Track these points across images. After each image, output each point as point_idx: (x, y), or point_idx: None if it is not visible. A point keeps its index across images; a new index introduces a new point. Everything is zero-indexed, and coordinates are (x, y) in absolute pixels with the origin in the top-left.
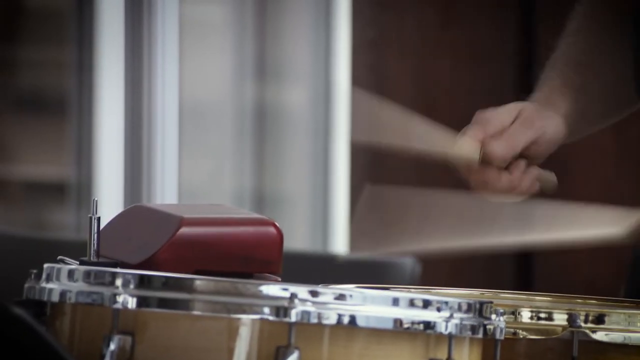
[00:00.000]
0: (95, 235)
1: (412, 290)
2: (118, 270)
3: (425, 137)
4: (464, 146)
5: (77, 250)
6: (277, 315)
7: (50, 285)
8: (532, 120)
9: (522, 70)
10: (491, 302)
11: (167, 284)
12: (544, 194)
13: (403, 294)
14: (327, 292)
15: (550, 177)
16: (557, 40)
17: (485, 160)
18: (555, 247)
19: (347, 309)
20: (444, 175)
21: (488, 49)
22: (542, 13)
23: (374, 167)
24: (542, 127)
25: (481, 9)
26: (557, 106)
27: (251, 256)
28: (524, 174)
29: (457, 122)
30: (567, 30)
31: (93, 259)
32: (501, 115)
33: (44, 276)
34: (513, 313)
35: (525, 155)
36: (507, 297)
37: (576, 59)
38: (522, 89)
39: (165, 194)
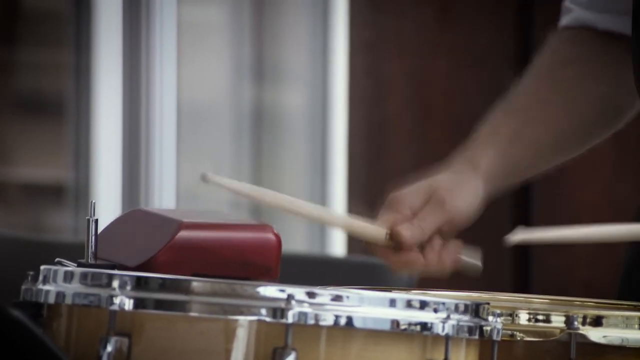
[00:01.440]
0: (93, 237)
1: (410, 292)
2: (115, 271)
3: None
4: (369, 229)
5: (75, 253)
6: (274, 316)
7: (47, 287)
8: (444, 201)
9: (519, 72)
10: (488, 304)
11: (164, 285)
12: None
13: (400, 295)
14: (324, 294)
15: (475, 260)
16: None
17: (394, 243)
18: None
19: (344, 310)
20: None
21: (486, 50)
22: (540, 15)
23: (372, 169)
24: (454, 208)
25: (479, 10)
26: (479, 167)
27: (249, 262)
28: (441, 251)
29: (453, 123)
30: (533, 72)
31: (91, 261)
32: (412, 197)
33: (40, 278)
34: (510, 315)
35: (439, 233)
36: (504, 298)
37: (529, 109)
38: None
39: (163, 196)
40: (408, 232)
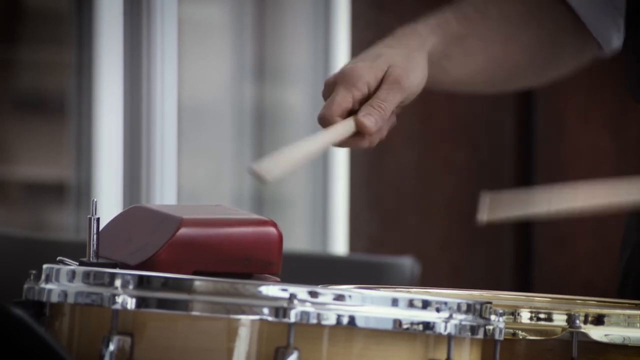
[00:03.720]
0: (95, 236)
1: (412, 290)
2: (117, 270)
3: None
4: (340, 129)
5: (76, 251)
6: (276, 315)
7: (49, 286)
8: (400, 81)
9: None
10: (490, 303)
11: (166, 284)
12: None
13: (402, 295)
14: (326, 293)
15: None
16: None
17: (359, 130)
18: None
19: (346, 309)
20: (443, 176)
21: None
22: None
23: (373, 168)
24: (409, 87)
25: None
26: (425, 43)
27: (251, 257)
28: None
29: (456, 123)
30: None
31: (92, 259)
32: (367, 74)
33: (43, 277)
34: (512, 314)
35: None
36: (506, 297)
37: (471, 15)
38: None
39: (164, 195)
40: (371, 123)
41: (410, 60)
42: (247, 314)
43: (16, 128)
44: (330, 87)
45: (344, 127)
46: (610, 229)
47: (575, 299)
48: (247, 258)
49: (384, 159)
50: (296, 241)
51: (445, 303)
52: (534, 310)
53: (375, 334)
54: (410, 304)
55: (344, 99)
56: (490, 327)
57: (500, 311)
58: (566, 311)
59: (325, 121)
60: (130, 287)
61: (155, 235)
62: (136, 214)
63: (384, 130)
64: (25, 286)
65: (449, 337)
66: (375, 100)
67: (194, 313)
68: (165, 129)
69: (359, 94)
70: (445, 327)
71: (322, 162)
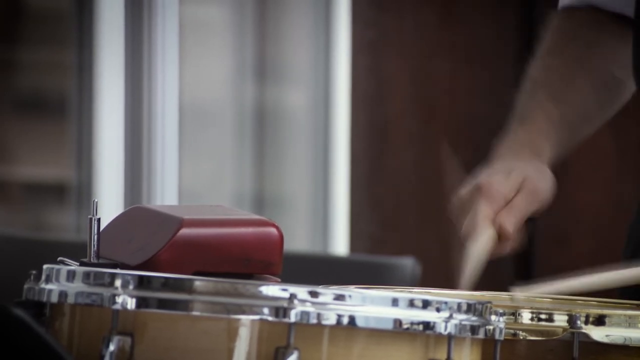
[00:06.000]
0: (95, 236)
1: (412, 291)
2: (117, 271)
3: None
4: (481, 238)
5: (77, 252)
6: (276, 315)
7: (49, 286)
8: (536, 191)
9: (521, 71)
10: (491, 303)
11: (167, 284)
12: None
13: (402, 295)
14: (327, 293)
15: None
16: (533, 58)
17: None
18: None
19: (346, 309)
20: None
21: (487, 49)
22: (542, 13)
23: (374, 169)
24: (545, 197)
25: (481, 9)
26: (543, 155)
27: (251, 257)
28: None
29: (456, 122)
30: (545, 49)
31: (93, 260)
32: (505, 187)
33: (43, 277)
34: (513, 314)
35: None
36: (507, 298)
37: (558, 89)
38: None
39: (165, 195)
40: (510, 226)
41: (540, 172)
42: (247, 314)
43: (16, 128)
44: (466, 201)
45: (488, 237)
46: (611, 229)
47: (576, 300)
48: (248, 258)
49: (384, 159)
50: (297, 241)
51: (446, 303)
52: (534, 310)
53: (376, 334)
54: (411, 303)
55: (487, 213)
56: (491, 327)
57: (501, 311)
58: (567, 312)
59: (470, 234)
60: (131, 287)
61: (156, 235)
62: (137, 215)
63: (516, 239)
64: (26, 286)
65: (449, 337)
66: (512, 206)
67: (195, 313)
68: (166, 129)
69: (498, 207)
70: (446, 327)
71: (323, 162)
